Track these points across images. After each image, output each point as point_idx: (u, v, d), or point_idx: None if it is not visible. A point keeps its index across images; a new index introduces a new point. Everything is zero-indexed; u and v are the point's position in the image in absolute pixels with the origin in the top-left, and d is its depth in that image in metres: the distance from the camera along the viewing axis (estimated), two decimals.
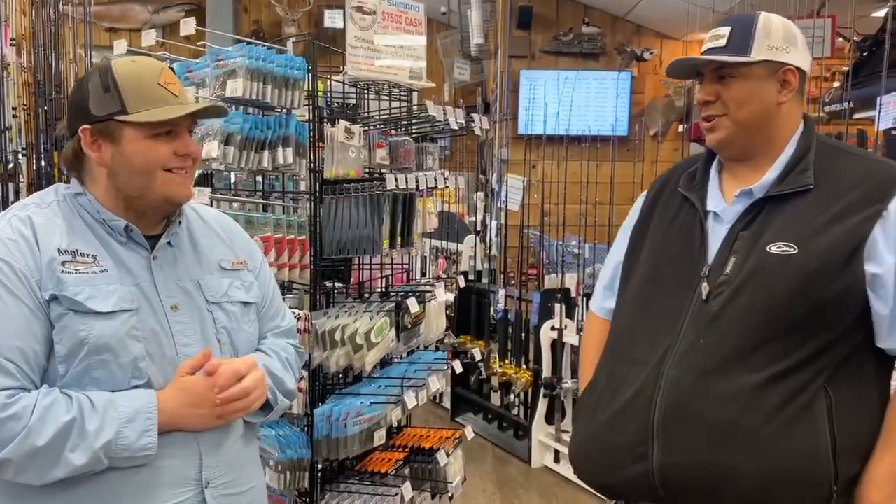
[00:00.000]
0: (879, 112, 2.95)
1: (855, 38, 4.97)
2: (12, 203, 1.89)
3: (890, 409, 1.35)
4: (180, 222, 1.42)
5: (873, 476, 1.33)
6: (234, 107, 2.36)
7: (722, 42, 1.42)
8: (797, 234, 1.34)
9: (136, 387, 1.28)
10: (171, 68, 1.46)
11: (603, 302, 1.71)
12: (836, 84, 6.16)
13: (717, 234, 1.44)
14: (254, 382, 1.36)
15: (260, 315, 1.53)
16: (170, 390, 1.30)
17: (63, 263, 1.25)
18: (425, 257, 5.33)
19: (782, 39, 1.43)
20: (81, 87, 1.33)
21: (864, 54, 5.02)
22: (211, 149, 2.21)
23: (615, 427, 1.43)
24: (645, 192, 1.65)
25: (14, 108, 4.03)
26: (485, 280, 5.07)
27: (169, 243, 1.39)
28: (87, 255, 1.28)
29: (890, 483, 1.33)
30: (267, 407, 1.47)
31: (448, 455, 2.68)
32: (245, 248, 1.55)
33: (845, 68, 4.41)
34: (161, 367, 1.31)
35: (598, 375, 1.56)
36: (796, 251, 1.33)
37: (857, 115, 5.14)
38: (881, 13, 5.18)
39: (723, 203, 1.47)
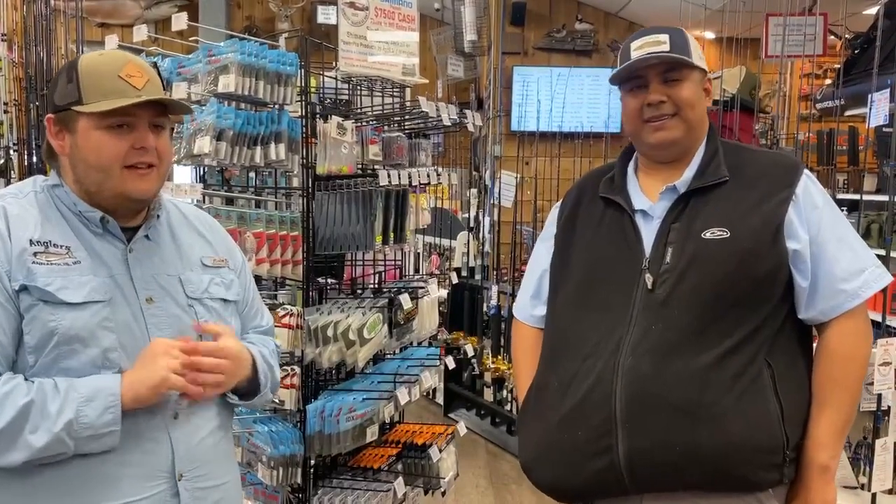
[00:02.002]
0: (870, 109, 2.97)
1: (847, 36, 4.99)
2: None
3: (816, 374, 1.48)
4: (159, 216, 1.42)
5: (816, 438, 1.44)
6: (226, 102, 2.36)
7: (665, 47, 1.50)
8: (726, 219, 1.45)
9: None
10: (155, 63, 1.45)
11: (532, 311, 1.74)
12: (829, 81, 6.19)
13: (648, 229, 1.52)
14: (231, 362, 1.34)
15: (242, 315, 1.54)
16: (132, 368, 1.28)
17: (34, 254, 1.25)
18: (418, 254, 5.34)
19: (699, 51, 1.55)
20: (54, 78, 1.35)
21: (856, 52, 5.05)
22: (203, 144, 2.21)
23: (572, 424, 1.45)
24: (558, 204, 1.74)
25: (5, 104, 4.01)
26: (478, 276, 5.08)
27: (147, 237, 1.38)
28: (61, 247, 1.28)
29: (833, 443, 1.44)
30: (254, 391, 1.47)
31: (441, 451, 2.68)
32: (225, 247, 1.55)
33: (837, 65, 4.43)
34: (133, 358, 1.30)
35: (542, 378, 1.58)
36: (729, 235, 1.44)
37: (848, 112, 5.16)
38: (873, 10, 5.21)
39: (648, 201, 1.55)
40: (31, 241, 1.26)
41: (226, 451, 1.49)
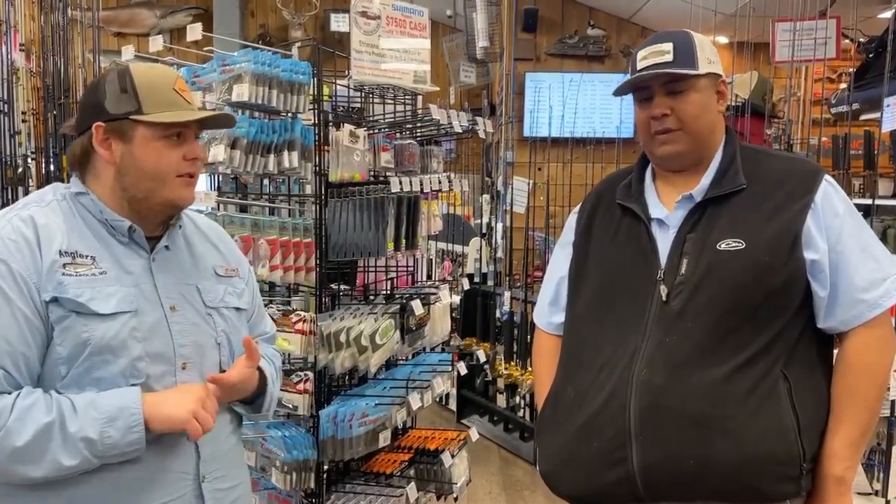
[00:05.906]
0: (883, 114, 2.95)
1: (861, 40, 4.96)
2: None
3: (834, 385, 1.45)
4: (180, 226, 1.44)
5: (832, 450, 1.41)
6: (240, 111, 2.38)
7: (668, 57, 1.47)
8: (742, 230, 1.43)
9: (134, 385, 1.28)
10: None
11: (550, 318, 1.72)
12: (844, 85, 6.15)
13: (664, 239, 1.50)
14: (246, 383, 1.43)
15: (250, 323, 1.57)
16: (161, 392, 1.31)
17: (64, 265, 1.26)
18: (431, 260, 5.35)
19: (711, 53, 1.51)
20: (98, 86, 1.35)
21: (871, 56, 5.01)
22: (217, 153, 2.24)
23: (588, 435, 1.45)
24: (577, 209, 1.71)
25: (23, 113, 4.07)
26: (490, 282, 5.08)
27: (166, 247, 1.41)
28: (86, 257, 1.29)
29: (850, 455, 1.42)
30: (256, 407, 1.52)
31: (453, 456, 2.69)
32: (235, 257, 1.58)
33: (852, 69, 4.40)
34: (159, 366, 1.32)
35: (560, 387, 1.58)
36: (744, 246, 1.41)
37: (864, 117, 5.12)
38: (887, 14, 5.18)
39: (665, 210, 1.53)
40: (60, 251, 1.27)
41: (240, 454, 1.54)
